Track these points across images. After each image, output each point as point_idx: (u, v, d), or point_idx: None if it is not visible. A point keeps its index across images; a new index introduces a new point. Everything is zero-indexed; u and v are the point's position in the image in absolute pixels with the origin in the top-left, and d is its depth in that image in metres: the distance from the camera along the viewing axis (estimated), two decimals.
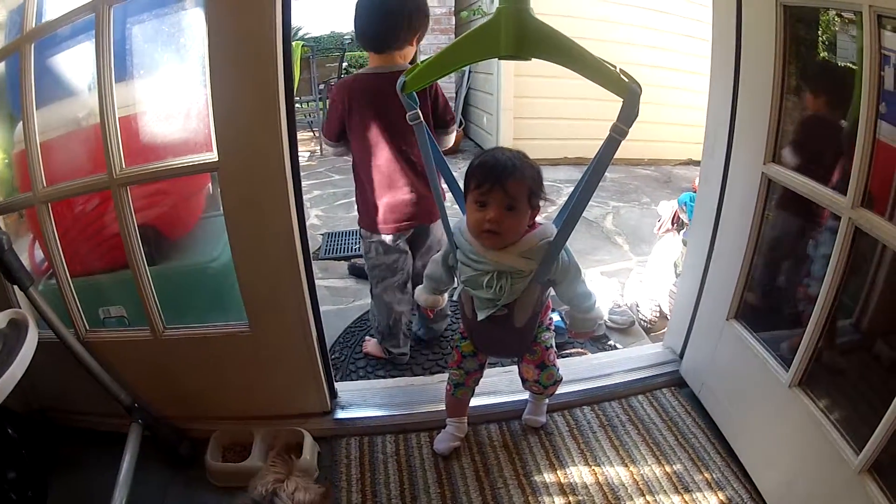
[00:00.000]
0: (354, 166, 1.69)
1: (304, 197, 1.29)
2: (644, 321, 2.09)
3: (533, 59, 0.98)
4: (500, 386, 1.59)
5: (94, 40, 1.15)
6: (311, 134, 5.60)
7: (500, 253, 1.14)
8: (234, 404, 1.45)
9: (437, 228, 1.75)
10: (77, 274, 1.37)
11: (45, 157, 1.27)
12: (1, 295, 1.32)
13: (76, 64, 1.34)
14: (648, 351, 1.80)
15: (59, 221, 1.32)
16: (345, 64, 5.71)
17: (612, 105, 0.96)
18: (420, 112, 1.11)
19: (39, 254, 1.46)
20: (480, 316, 1.20)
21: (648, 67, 3.86)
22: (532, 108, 4.24)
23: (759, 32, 1.20)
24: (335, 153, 1.73)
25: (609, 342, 1.96)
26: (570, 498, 1.28)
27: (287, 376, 1.42)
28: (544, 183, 1.14)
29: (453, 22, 5.12)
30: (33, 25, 1.22)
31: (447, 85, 4.77)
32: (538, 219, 1.19)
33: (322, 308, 1.42)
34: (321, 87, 5.41)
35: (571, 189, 1.18)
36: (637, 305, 2.15)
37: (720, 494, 1.27)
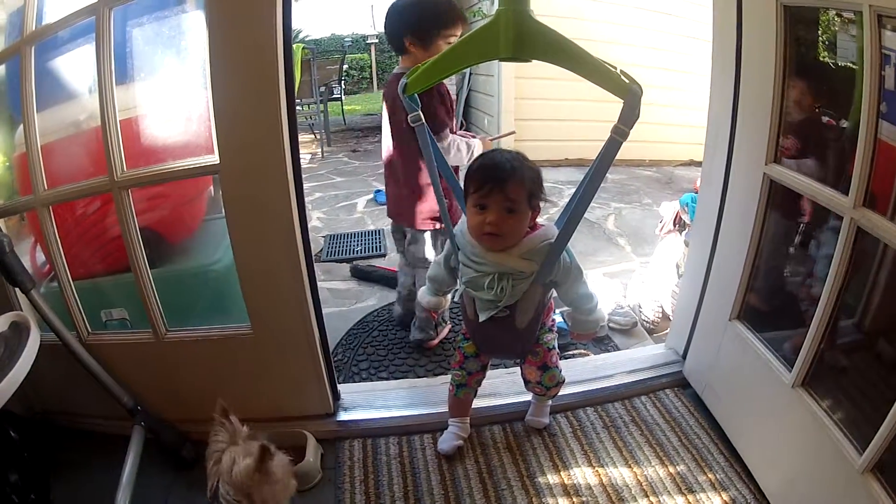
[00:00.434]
0: None
1: (306, 199, 1.29)
2: (647, 322, 2.09)
3: (533, 61, 0.99)
4: (502, 388, 1.59)
5: (94, 43, 1.15)
6: (313, 136, 5.61)
7: (502, 254, 1.14)
8: (236, 407, 1.45)
9: (417, 235, 1.77)
10: (79, 277, 1.37)
11: (46, 159, 1.27)
12: (2, 297, 1.32)
13: (77, 66, 1.34)
14: (651, 352, 1.79)
15: (61, 224, 1.33)
16: (345, 66, 5.72)
17: (612, 106, 0.96)
18: (422, 114, 1.12)
19: (41, 256, 1.46)
20: (482, 317, 1.20)
21: (649, 68, 3.86)
22: (533, 110, 4.24)
23: (760, 33, 1.20)
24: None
25: (611, 343, 1.96)
26: (574, 499, 1.27)
27: (290, 378, 1.42)
28: (545, 184, 1.14)
29: None
30: (33, 28, 1.23)
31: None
32: (540, 220, 1.19)
33: (324, 310, 1.42)
34: (321, 89, 5.42)
35: (572, 190, 1.18)
36: (639, 306, 2.15)
37: (724, 495, 1.26)
